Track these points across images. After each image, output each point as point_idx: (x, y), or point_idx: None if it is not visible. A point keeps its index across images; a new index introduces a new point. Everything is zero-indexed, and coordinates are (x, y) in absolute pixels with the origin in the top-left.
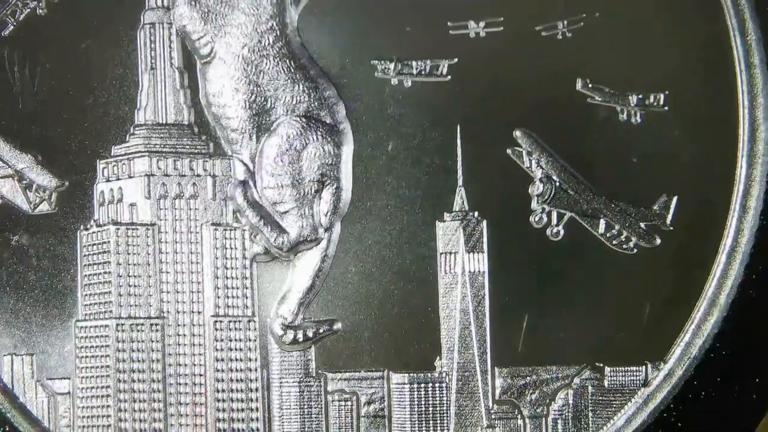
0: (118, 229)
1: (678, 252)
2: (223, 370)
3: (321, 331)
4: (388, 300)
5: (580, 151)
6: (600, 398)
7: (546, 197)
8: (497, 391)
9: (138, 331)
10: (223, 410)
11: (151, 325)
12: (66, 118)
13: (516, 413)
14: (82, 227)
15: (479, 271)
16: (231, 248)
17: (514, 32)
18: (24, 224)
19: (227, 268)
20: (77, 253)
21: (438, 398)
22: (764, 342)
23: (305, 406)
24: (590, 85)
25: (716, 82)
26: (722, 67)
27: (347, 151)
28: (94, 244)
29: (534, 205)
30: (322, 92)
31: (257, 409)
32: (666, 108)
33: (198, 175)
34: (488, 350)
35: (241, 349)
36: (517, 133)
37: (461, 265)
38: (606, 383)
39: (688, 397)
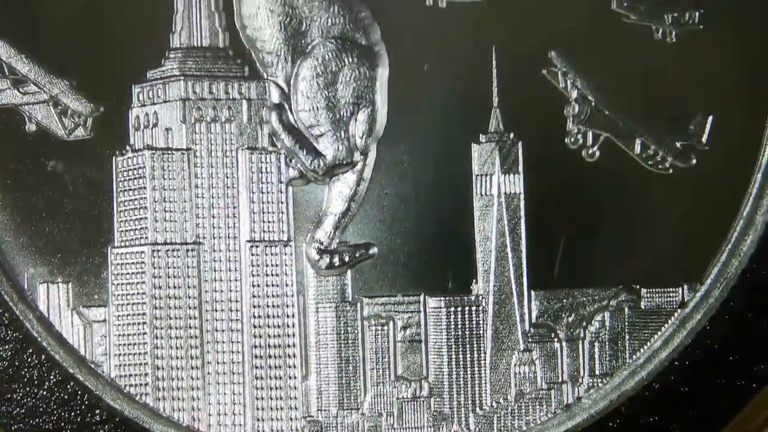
0: (153, 154)
1: (714, 172)
2: (259, 296)
3: (357, 255)
4: (424, 223)
5: (615, 71)
6: (636, 320)
7: (581, 117)
8: (533, 314)
9: (174, 257)
10: (260, 336)
11: (187, 250)
12: (101, 42)
13: (552, 336)
14: (117, 153)
15: (515, 193)
16: (266, 172)
17: None
18: (59, 150)
19: (263, 193)
20: (112, 178)
21: (474, 322)
22: None
23: (341, 332)
24: (625, 4)
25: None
26: None
27: (382, 72)
28: (130, 170)
29: (569, 125)
30: (356, 13)
31: (293, 335)
32: (701, 26)
33: (233, 99)
34: (524, 273)
35: (277, 275)
36: (553, 54)
37: (497, 187)
38: (642, 305)
39: (725, 319)
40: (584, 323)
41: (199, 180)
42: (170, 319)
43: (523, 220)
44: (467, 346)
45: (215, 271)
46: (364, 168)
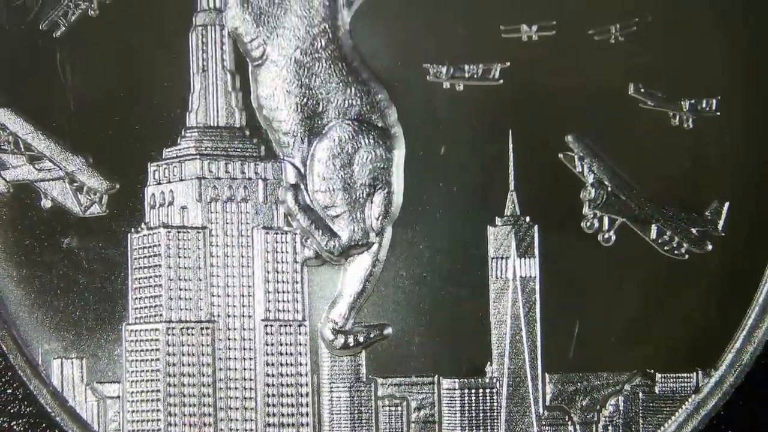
0: (168, 232)
1: (729, 258)
2: (273, 375)
3: (372, 335)
4: (439, 305)
5: (632, 156)
6: (651, 404)
7: (598, 202)
8: (548, 397)
9: (188, 334)
10: (273, 415)
11: (202, 328)
12: (117, 120)
13: (566, 419)
14: (132, 230)
15: (530, 276)
16: (282, 252)
17: (567, 36)
18: (75, 227)
19: (278, 272)
20: (128, 256)
21: (488, 404)
22: None
23: (355, 412)
24: (642, 90)
25: None
26: None
27: (399, 154)
28: (145, 247)
29: (585, 210)
30: (374, 95)
31: (307, 414)
32: (718, 113)
33: (249, 179)
34: (539, 356)
35: (291, 354)
36: (569, 138)
37: (512, 270)
38: (657, 389)
39: (739, 405)
40: (598, 407)
41: (215, 259)
42: (184, 396)
43: (538, 304)
44: (481, 428)
45: (229, 349)
46: (380, 249)
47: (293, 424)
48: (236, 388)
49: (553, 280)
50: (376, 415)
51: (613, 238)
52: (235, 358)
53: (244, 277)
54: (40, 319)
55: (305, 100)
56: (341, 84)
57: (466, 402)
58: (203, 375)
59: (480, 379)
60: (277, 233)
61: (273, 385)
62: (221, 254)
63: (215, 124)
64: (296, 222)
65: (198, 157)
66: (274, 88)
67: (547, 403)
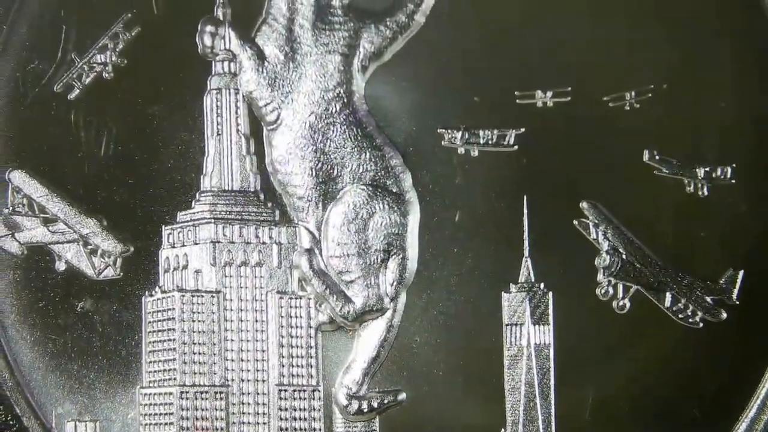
0: (183, 296)
1: (744, 327)
2: None
3: (386, 401)
4: (453, 371)
5: (646, 224)
6: None
7: (612, 269)
8: None
9: (202, 399)
10: None
11: (215, 393)
12: (131, 183)
13: None
14: (146, 293)
15: (545, 344)
16: (296, 317)
17: (582, 102)
18: (89, 290)
19: (292, 337)
20: (142, 319)
21: None
22: None
23: None
24: (657, 157)
25: None
26: None
27: (413, 220)
28: (159, 311)
29: (600, 277)
30: (388, 160)
31: None
32: (733, 181)
33: (263, 243)
34: (553, 424)
35: (305, 419)
36: (584, 205)
37: (527, 337)
38: None
39: None
40: None
41: (229, 323)
42: None
43: (552, 371)
44: None
45: (243, 414)
46: (394, 315)
47: None
48: None
49: (568, 347)
50: None
51: (628, 305)
52: (249, 423)
53: (258, 341)
54: (54, 381)
55: (320, 164)
56: (356, 149)
57: None
58: None
59: None
60: (291, 298)
61: None
62: (235, 318)
63: (230, 188)
64: (311, 287)
65: (212, 220)
66: (289, 152)
67: None
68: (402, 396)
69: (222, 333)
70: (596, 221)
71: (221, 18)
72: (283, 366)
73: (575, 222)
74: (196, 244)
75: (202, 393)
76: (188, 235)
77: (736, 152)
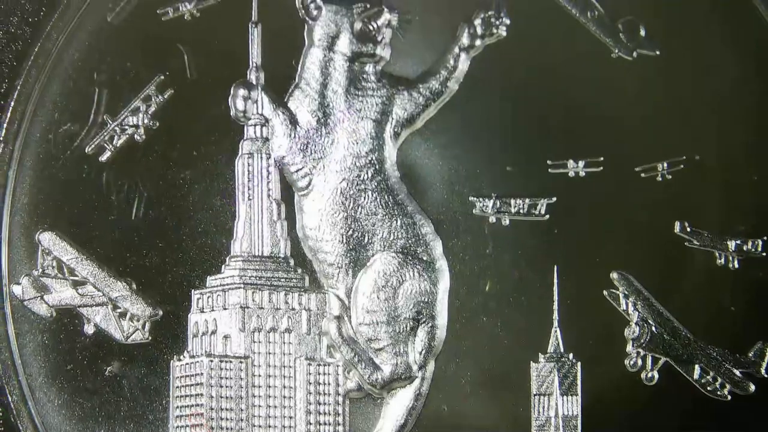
0: (211, 361)
1: None
2: None
3: None
4: None
5: (677, 295)
6: None
7: (642, 341)
8: None
9: None
10: None
11: None
12: (161, 246)
13: None
14: (175, 358)
15: (573, 415)
16: (324, 384)
17: (614, 173)
18: (117, 353)
19: (320, 404)
20: (170, 384)
21: None
22: None
23: None
24: (689, 229)
25: None
26: None
27: (443, 288)
28: (187, 376)
29: (629, 348)
30: (419, 228)
31: None
32: (764, 254)
33: (293, 309)
34: None
35: None
36: (614, 276)
37: (555, 408)
38: None
39: None
40: None
41: (257, 389)
42: None
43: None
44: None
45: None
46: (422, 383)
47: None
48: None
49: (596, 418)
50: None
51: (656, 377)
52: None
53: (286, 407)
54: None
55: (350, 231)
56: (387, 216)
57: None
58: None
59: None
60: (319, 365)
61: None
62: (263, 384)
63: (260, 253)
64: (339, 354)
65: (242, 286)
66: (320, 218)
67: None
68: None
69: (250, 399)
70: (626, 292)
71: (254, 82)
72: None
73: (605, 293)
74: (225, 309)
75: None
76: (217, 300)
77: (767, 225)
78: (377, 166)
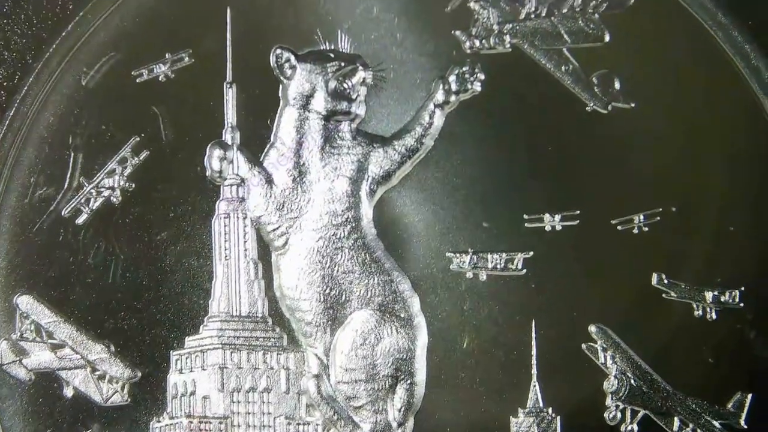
0: (191, 422)
1: None
2: None
3: None
4: None
5: (655, 348)
6: None
7: (621, 394)
8: None
9: None
10: None
11: None
12: (139, 308)
13: None
14: (154, 419)
15: None
16: None
17: (590, 226)
18: (97, 416)
19: None
20: None
21: None
22: None
23: None
24: (666, 281)
25: None
26: None
27: (421, 345)
28: None
29: (608, 401)
30: (396, 285)
31: None
32: (741, 305)
33: (271, 368)
34: None
35: None
36: (593, 329)
37: None
38: None
39: None
40: None
41: None
42: None
43: None
44: None
45: None
46: None
47: None
48: None
49: None
50: None
51: (636, 429)
52: None
53: None
54: None
55: (328, 290)
56: (364, 274)
57: None
58: None
59: None
60: (299, 424)
61: None
62: None
63: (238, 313)
64: (319, 412)
65: (220, 346)
66: (297, 277)
67: None
68: None
69: None
70: (605, 345)
71: (230, 142)
72: None
73: (584, 346)
74: (204, 369)
75: None
76: (196, 360)
77: (745, 276)
78: (354, 224)
